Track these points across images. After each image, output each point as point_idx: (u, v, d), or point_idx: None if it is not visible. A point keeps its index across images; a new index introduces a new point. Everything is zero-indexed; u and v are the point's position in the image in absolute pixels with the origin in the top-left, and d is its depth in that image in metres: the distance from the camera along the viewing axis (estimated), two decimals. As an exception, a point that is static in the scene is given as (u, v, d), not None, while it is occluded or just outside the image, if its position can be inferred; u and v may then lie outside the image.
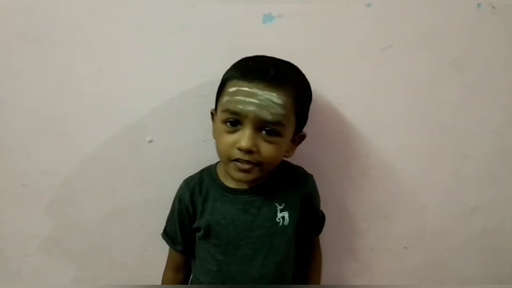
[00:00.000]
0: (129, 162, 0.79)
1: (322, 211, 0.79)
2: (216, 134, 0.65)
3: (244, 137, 0.60)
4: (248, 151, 0.60)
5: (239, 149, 0.60)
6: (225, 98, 0.62)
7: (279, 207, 0.68)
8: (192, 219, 0.71)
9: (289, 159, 0.73)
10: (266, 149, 0.61)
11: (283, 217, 0.68)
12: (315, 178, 0.75)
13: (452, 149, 0.85)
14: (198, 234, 0.71)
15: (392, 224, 0.89)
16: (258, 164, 0.62)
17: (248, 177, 0.63)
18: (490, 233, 0.92)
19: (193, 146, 0.78)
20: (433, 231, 0.91)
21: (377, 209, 0.87)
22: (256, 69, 0.62)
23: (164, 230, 0.76)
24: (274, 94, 0.59)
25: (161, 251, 0.77)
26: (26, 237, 0.83)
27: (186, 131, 0.78)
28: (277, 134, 0.61)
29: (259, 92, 0.59)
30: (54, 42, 0.71)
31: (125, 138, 0.78)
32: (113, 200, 0.82)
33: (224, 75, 0.65)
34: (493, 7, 0.76)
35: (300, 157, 0.78)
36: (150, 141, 0.78)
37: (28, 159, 0.78)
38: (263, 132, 0.61)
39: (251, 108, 0.59)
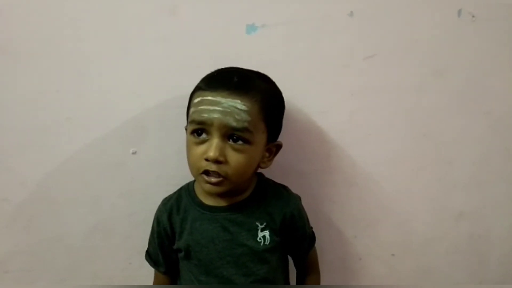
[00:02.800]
0: (113, 174, 0.78)
1: (312, 232, 0.76)
2: (186, 148, 0.64)
3: (211, 147, 0.59)
4: (215, 161, 0.59)
5: (207, 159, 0.59)
6: (191, 110, 0.62)
7: (260, 226, 0.66)
8: (172, 240, 0.70)
9: (275, 170, 0.72)
10: (235, 158, 0.60)
11: (264, 237, 0.66)
12: (301, 187, 0.75)
13: (437, 156, 0.86)
14: (180, 255, 0.69)
15: (380, 232, 0.89)
16: (226, 176, 0.60)
17: (218, 189, 0.62)
18: (477, 239, 0.93)
19: (177, 157, 0.76)
20: (420, 238, 0.91)
21: (364, 217, 0.87)
22: (220, 78, 0.62)
23: (147, 251, 0.74)
24: (238, 101, 0.58)
25: (147, 265, 0.76)
26: (7, 253, 0.81)
27: (170, 142, 0.77)
28: (245, 141, 0.60)
29: (222, 100, 0.58)
30: (33, 54, 0.70)
31: (107, 150, 0.77)
32: (96, 213, 0.80)
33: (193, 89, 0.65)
34: (473, 16, 0.78)
35: (286, 166, 0.78)
36: (134, 153, 0.78)
37: (8, 172, 0.76)
38: (231, 140, 0.60)
39: (215, 115, 0.58)
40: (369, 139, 0.82)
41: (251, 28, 0.73)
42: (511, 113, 0.86)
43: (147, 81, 0.74)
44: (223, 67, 0.66)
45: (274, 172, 0.76)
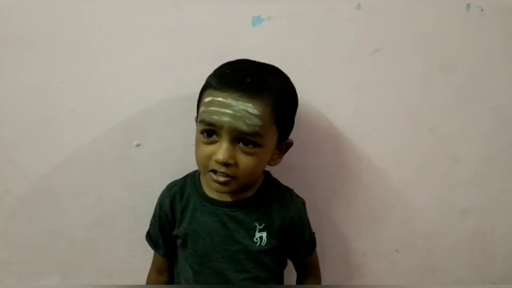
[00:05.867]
0: (116, 166, 0.78)
1: (313, 238, 0.75)
2: (195, 144, 0.63)
3: (220, 149, 0.58)
4: (224, 164, 0.58)
5: (216, 161, 0.58)
6: (201, 109, 0.60)
7: (258, 227, 0.66)
8: (172, 226, 0.70)
9: (280, 165, 0.72)
10: (244, 160, 0.59)
11: (261, 237, 0.66)
12: (306, 182, 0.75)
13: (442, 152, 0.85)
14: (178, 242, 0.70)
15: (384, 228, 0.88)
16: (234, 177, 0.60)
17: (226, 189, 0.61)
18: (481, 235, 0.93)
19: (182, 150, 0.77)
20: (424, 234, 0.90)
21: (368, 213, 0.87)
22: (232, 77, 0.60)
23: (148, 232, 0.75)
24: (250, 105, 0.56)
25: (149, 257, 0.76)
26: (9, 244, 0.81)
27: (174, 135, 0.77)
28: (256, 145, 0.59)
29: (233, 102, 0.56)
30: (36, 44, 0.70)
31: (111, 142, 0.76)
32: (99, 206, 0.80)
33: (204, 82, 0.63)
34: (482, 10, 0.77)
35: (290, 161, 0.77)
36: (137, 145, 0.77)
37: (11, 164, 0.76)
38: (241, 143, 0.58)
39: (225, 119, 0.56)
40: (374, 134, 0.81)
41: (257, 20, 0.72)
42: (518, 109, 0.85)
43: (151, 73, 0.73)
44: (232, 60, 0.65)
45: (279, 166, 0.75)
